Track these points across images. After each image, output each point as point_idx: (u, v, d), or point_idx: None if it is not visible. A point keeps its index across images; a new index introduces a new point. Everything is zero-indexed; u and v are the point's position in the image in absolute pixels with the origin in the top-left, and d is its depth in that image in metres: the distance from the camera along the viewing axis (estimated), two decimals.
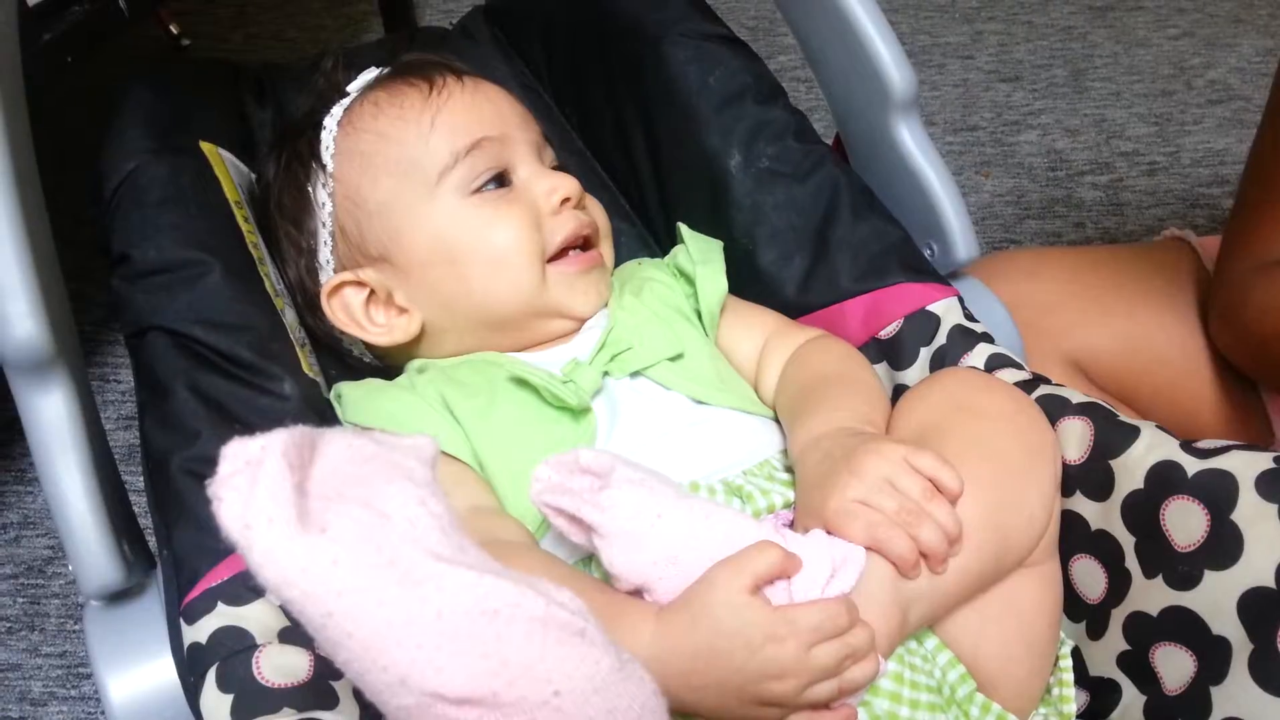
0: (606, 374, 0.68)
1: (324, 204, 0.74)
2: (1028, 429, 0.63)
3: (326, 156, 0.74)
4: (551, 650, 0.35)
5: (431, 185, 0.71)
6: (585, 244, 0.75)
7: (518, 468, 0.63)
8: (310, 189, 0.75)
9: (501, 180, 0.72)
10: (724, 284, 0.74)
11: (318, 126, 0.75)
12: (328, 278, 0.74)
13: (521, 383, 0.67)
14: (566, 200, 0.73)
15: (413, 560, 0.36)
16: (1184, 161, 1.63)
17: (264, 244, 0.77)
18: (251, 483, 0.35)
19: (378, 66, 0.79)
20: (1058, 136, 1.67)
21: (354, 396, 0.69)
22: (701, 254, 0.76)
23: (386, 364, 0.78)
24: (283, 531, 0.34)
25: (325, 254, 0.75)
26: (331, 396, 0.71)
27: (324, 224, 0.74)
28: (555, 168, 0.76)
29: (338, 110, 0.75)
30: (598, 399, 0.68)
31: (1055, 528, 0.64)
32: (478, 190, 0.71)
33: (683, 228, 0.78)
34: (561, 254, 0.73)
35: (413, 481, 0.38)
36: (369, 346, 0.76)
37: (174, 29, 1.61)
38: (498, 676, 0.34)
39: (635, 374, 0.69)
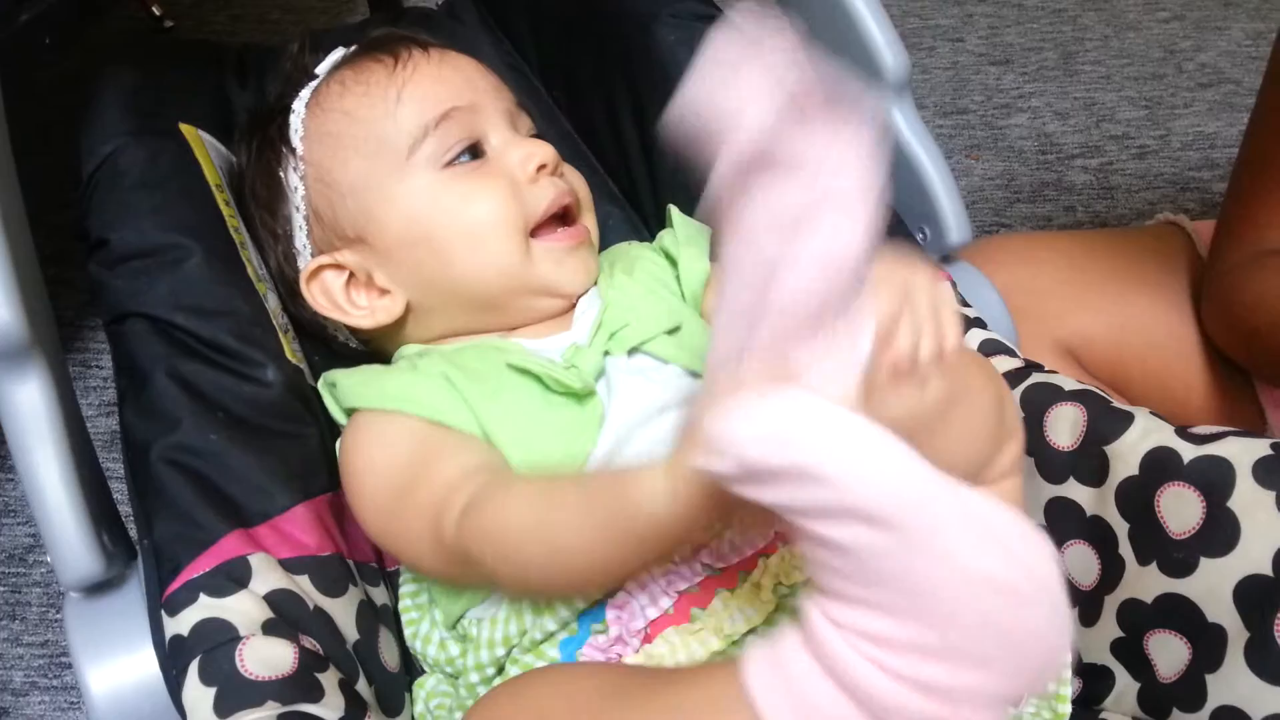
0: (607, 353, 0.67)
1: (296, 188, 0.73)
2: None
3: (296, 140, 0.73)
4: (1051, 560, 0.38)
5: (402, 161, 0.69)
6: (566, 214, 0.73)
7: (527, 452, 0.62)
8: (282, 174, 0.73)
9: (475, 151, 0.71)
10: (707, 265, 0.73)
11: (286, 110, 0.74)
12: (306, 263, 0.73)
13: (523, 371, 0.66)
14: (542, 167, 0.71)
15: None
16: (1174, 145, 1.62)
17: (245, 228, 0.76)
18: (810, 415, 0.37)
19: (344, 47, 0.77)
20: (1048, 120, 1.67)
21: (351, 383, 0.67)
22: (687, 236, 0.75)
23: (373, 349, 0.77)
24: (877, 442, 0.37)
25: (301, 239, 0.73)
26: (321, 385, 0.69)
27: (298, 208, 0.73)
28: (532, 136, 0.75)
29: (305, 93, 0.74)
30: (599, 381, 0.67)
31: (1019, 507, 0.62)
32: (450, 163, 0.70)
33: (673, 209, 0.77)
34: (547, 229, 0.72)
35: None
36: (354, 331, 0.75)
37: (156, 10, 1.59)
38: (1028, 572, 0.38)
39: (633, 350, 0.67)
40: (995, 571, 0.36)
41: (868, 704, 0.38)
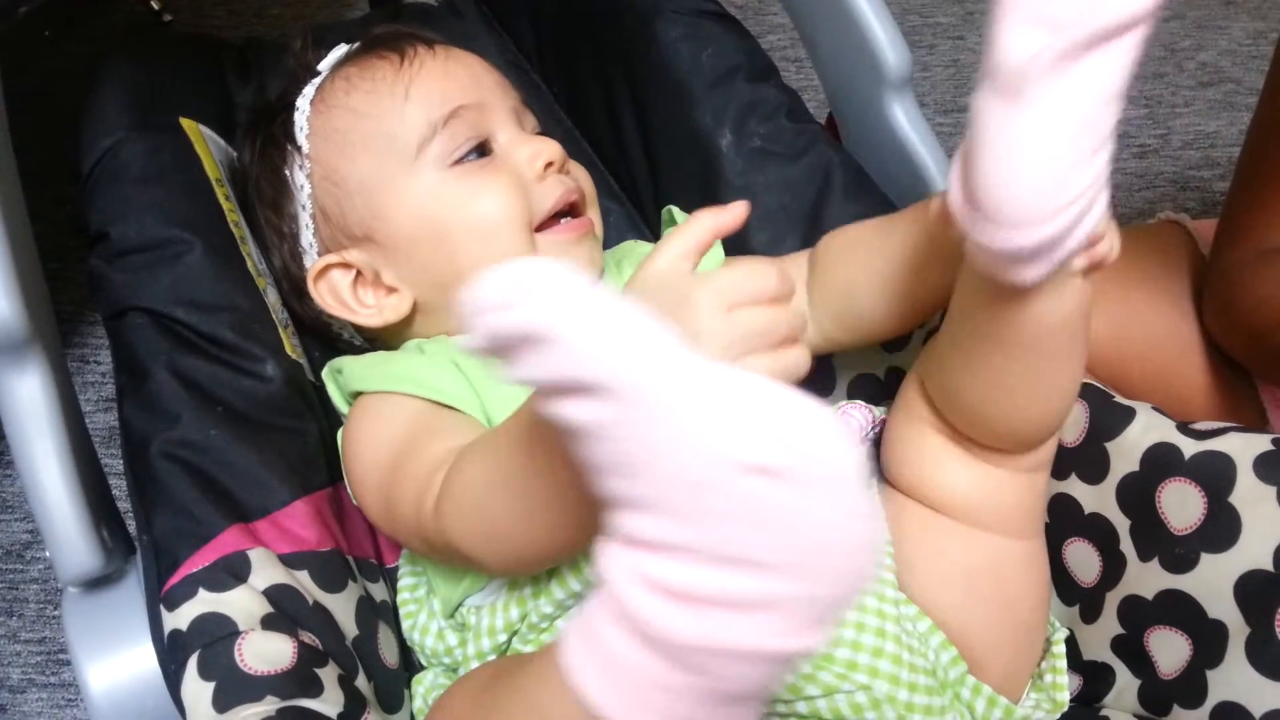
0: None
1: (302, 186, 0.72)
2: None
3: (301, 138, 0.72)
4: (836, 441, 0.34)
5: (410, 158, 0.69)
6: (573, 210, 0.73)
7: None
8: (287, 172, 0.73)
9: (482, 149, 0.71)
10: (720, 254, 0.73)
11: (290, 108, 0.74)
12: (312, 261, 0.73)
13: None
14: (550, 165, 0.71)
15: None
16: (1174, 144, 1.62)
17: (245, 223, 0.76)
18: (545, 278, 0.34)
19: (347, 43, 0.77)
20: None
21: (357, 367, 0.67)
22: None
23: (377, 346, 0.77)
24: (606, 306, 0.34)
25: (308, 237, 0.73)
26: (326, 373, 0.69)
27: (304, 207, 0.73)
28: (537, 133, 0.75)
29: (309, 90, 0.74)
30: None
31: (1041, 507, 0.64)
32: (458, 161, 0.70)
33: (673, 210, 0.77)
34: (552, 222, 0.72)
35: None
36: (359, 329, 0.75)
37: (155, 4, 1.59)
38: (798, 454, 0.33)
39: None
40: (752, 453, 0.32)
41: (658, 642, 0.34)
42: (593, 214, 0.75)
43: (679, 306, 0.47)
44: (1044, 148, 0.45)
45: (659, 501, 0.33)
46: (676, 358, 0.33)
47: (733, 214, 0.51)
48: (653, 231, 0.88)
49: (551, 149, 0.72)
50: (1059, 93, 0.44)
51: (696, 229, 0.50)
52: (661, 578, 0.34)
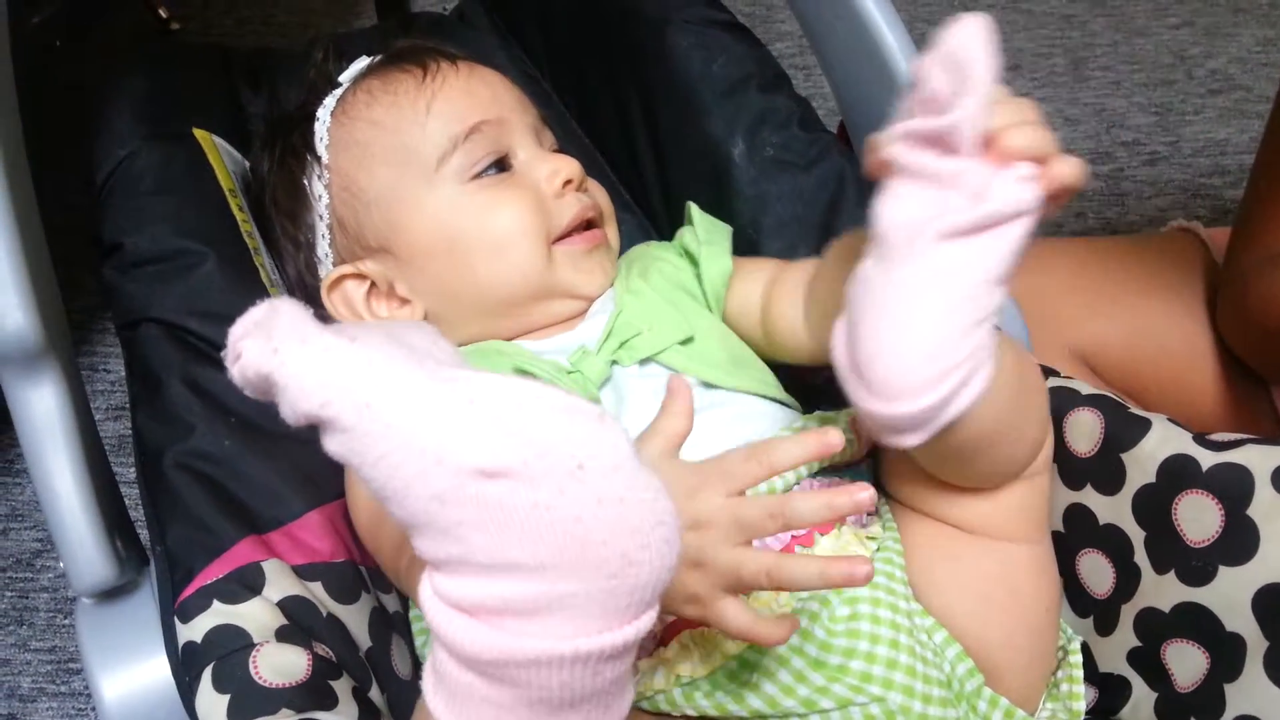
0: (615, 362, 0.67)
1: (320, 196, 0.73)
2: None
3: (321, 148, 0.73)
4: (576, 429, 0.34)
5: (430, 172, 0.69)
6: (588, 225, 0.73)
7: None
8: (305, 182, 0.73)
9: (501, 165, 0.71)
10: (728, 263, 0.73)
11: (310, 118, 0.74)
12: (327, 271, 0.73)
13: (526, 374, 0.66)
14: (568, 183, 0.71)
15: (441, 363, 0.36)
16: (1185, 151, 1.62)
17: (259, 234, 0.76)
18: (271, 321, 0.35)
19: (369, 55, 0.77)
20: (1058, 125, 1.66)
21: None
22: (708, 234, 0.74)
23: None
24: (316, 341, 0.34)
25: (324, 247, 0.73)
26: None
27: (321, 217, 0.73)
28: (555, 151, 0.75)
29: (330, 101, 0.74)
30: (605, 388, 0.66)
31: (1046, 508, 0.63)
32: (477, 176, 0.70)
33: (692, 207, 0.76)
34: (565, 234, 0.72)
35: (423, 332, 0.39)
36: None
37: (163, 13, 1.59)
38: (528, 449, 0.33)
39: (645, 360, 0.67)
40: (474, 457, 0.33)
41: (468, 659, 0.34)
42: (609, 229, 0.75)
43: (679, 494, 0.47)
44: (922, 318, 0.46)
45: (419, 520, 0.34)
46: (397, 379, 0.34)
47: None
48: (663, 239, 0.88)
49: (571, 167, 0.72)
50: (941, 266, 0.45)
51: (673, 425, 0.53)
52: (452, 595, 0.34)
